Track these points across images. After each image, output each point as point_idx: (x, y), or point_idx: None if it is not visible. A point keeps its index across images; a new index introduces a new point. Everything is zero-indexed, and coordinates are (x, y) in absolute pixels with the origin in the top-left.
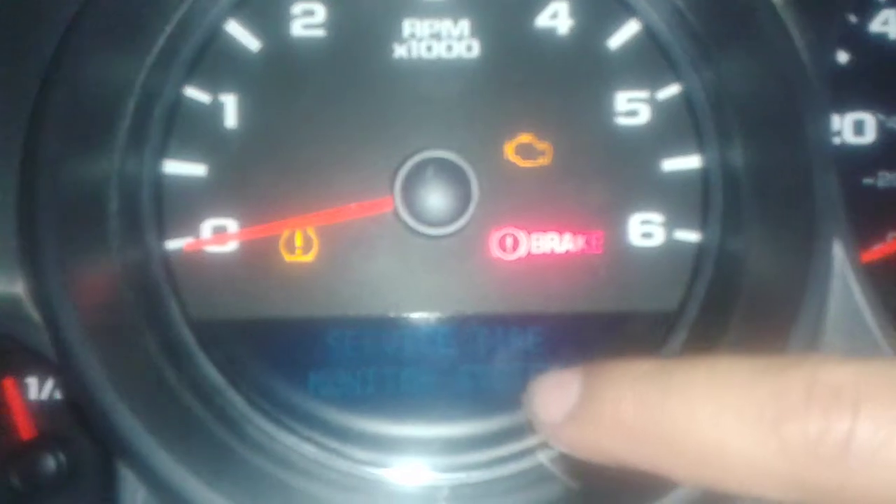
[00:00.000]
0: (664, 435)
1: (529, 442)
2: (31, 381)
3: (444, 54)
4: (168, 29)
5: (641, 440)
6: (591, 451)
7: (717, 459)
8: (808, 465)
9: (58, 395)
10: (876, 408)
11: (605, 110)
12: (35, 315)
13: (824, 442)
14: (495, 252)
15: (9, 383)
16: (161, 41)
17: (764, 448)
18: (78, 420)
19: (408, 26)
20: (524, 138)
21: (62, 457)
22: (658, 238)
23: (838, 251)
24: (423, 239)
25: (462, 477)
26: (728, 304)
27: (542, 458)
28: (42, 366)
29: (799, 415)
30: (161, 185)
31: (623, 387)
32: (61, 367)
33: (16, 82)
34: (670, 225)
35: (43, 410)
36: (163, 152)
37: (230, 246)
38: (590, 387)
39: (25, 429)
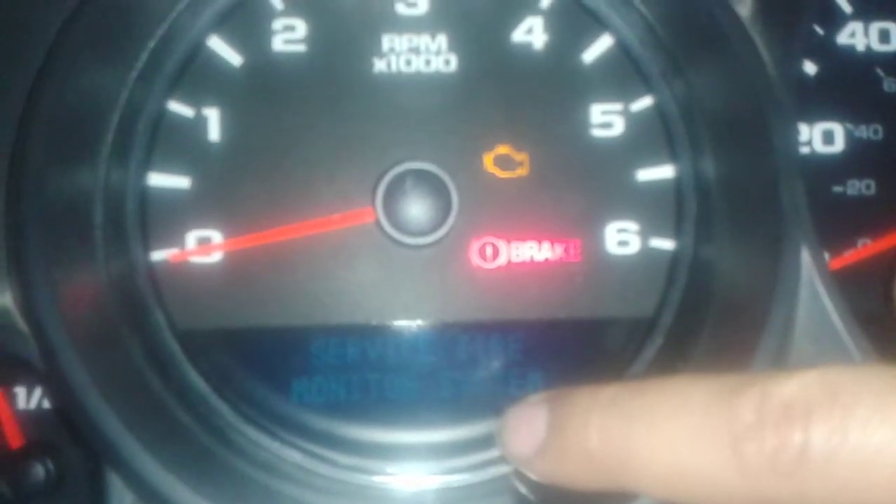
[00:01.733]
0: (630, 461)
1: None
2: (20, 391)
3: (422, 68)
4: (152, 43)
5: (608, 467)
6: (562, 480)
7: (681, 482)
8: (768, 481)
9: (46, 404)
10: (825, 416)
11: (581, 122)
12: (22, 325)
13: (780, 457)
14: (475, 260)
15: None
16: (145, 55)
17: (724, 469)
18: (65, 428)
19: (387, 41)
20: (502, 150)
21: (50, 465)
22: (634, 246)
23: (806, 259)
24: (404, 248)
25: (446, 481)
26: (701, 311)
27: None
28: (30, 375)
29: (754, 433)
30: (145, 197)
31: (586, 417)
32: (48, 375)
33: (2, 96)
34: (645, 233)
35: (31, 419)
36: (147, 165)
37: (214, 256)
38: (555, 419)
39: (14, 437)
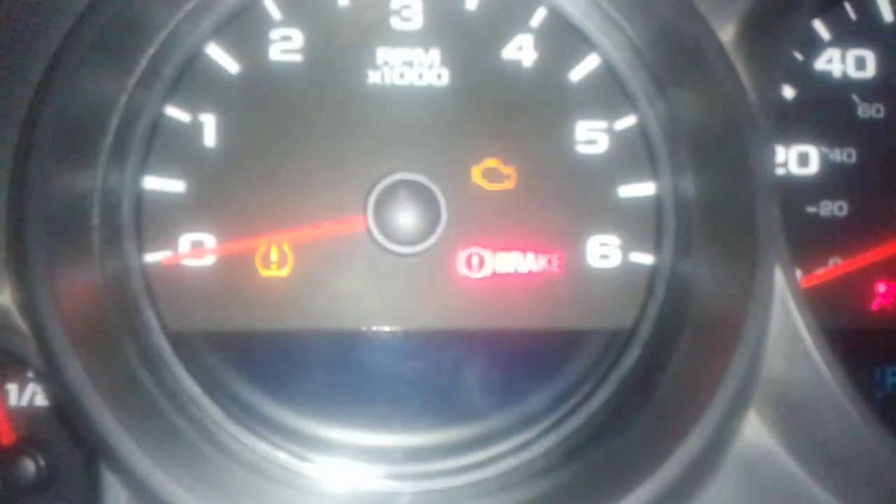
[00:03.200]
0: None
1: (490, 452)
2: (12, 388)
3: (415, 81)
4: (151, 50)
5: None
6: None
7: None
8: None
9: (38, 401)
10: None
11: (566, 138)
12: (21, 324)
13: None
14: (462, 270)
15: None
16: (144, 62)
17: None
18: (62, 425)
19: (381, 54)
20: (490, 163)
21: (42, 461)
22: (615, 259)
23: (779, 277)
24: (393, 256)
25: (425, 485)
26: (679, 324)
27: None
28: (22, 372)
29: None
30: (141, 200)
31: None
32: (47, 374)
33: (5, 102)
34: (626, 247)
35: (23, 416)
36: (143, 169)
37: (207, 260)
38: None
39: (6, 434)
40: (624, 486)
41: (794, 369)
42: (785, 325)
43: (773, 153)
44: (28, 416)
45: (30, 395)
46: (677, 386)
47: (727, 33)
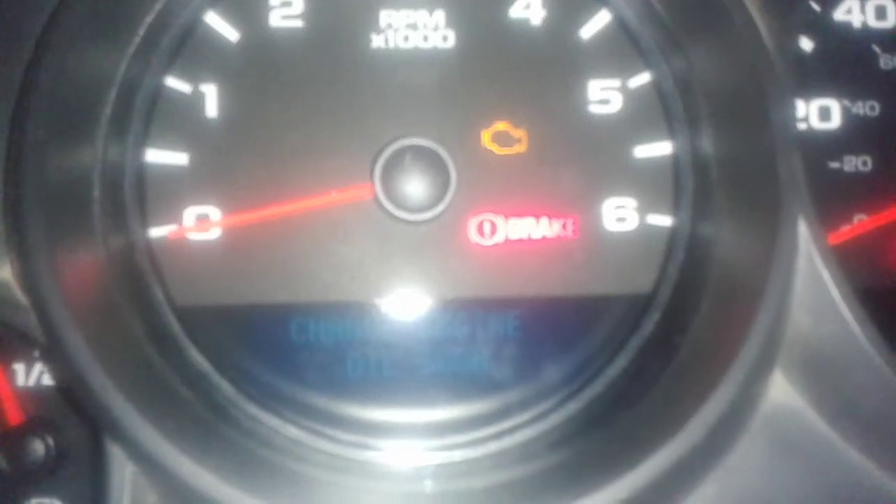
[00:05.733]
0: None
1: (509, 422)
2: (19, 368)
3: (420, 44)
4: (148, 20)
5: None
6: None
7: None
8: None
9: (45, 381)
10: None
11: (578, 99)
12: (22, 298)
13: None
14: (473, 237)
15: None
16: (141, 32)
17: None
18: (66, 400)
19: (384, 17)
20: (500, 126)
21: (50, 441)
22: (631, 223)
23: (804, 231)
24: (402, 225)
25: (445, 456)
26: (699, 286)
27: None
28: (29, 349)
29: None
30: (143, 174)
31: None
32: (49, 347)
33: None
34: (643, 210)
35: (30, 396)
36: (145, 141)
37: (213, 233)
38: None
39: (13, 414)
40: (646, 450)
41: (821, 326)
42: (811, 280)
43: (793, 106)
44: (35, 395)
45: (37, 374)
46: (699, 348)
47: None
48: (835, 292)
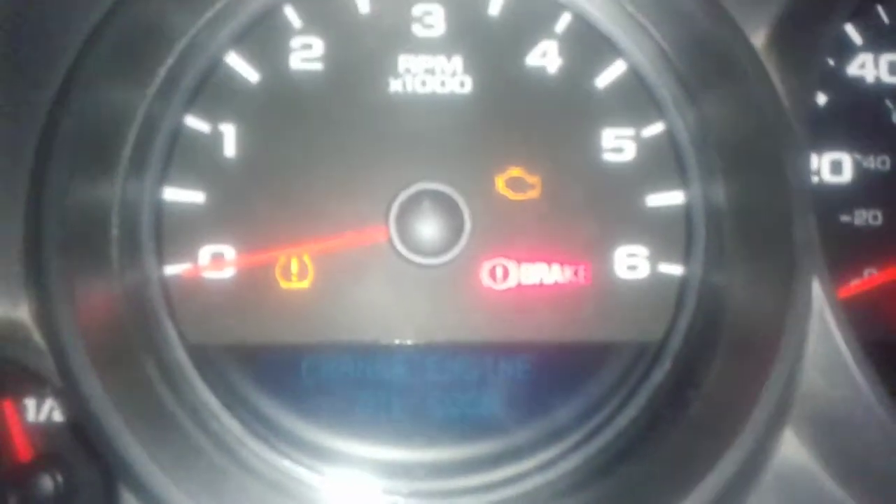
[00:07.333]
0: None
1: (515, 469)
2: (30, 403)
3: (438, 89)
4: (170, 60)
5: None
6: None
7: None
8: None
9: (56, 417)
10: None
11: (593, 146)
12: (39, 340)
13: None
14: (486, 281)
15: (7, 405)
16: (163, 72)
17: None
18: (80, 442)
19: (403, 62)
20: (515, 172)
21: (60, 478)
22: (643, 270)
23: (817, 290)
24: (416, 268)
25: (453, 500)
26: (711, 337)
27: None
28: (41, 387)
29: None
30: (161, 212)
31: None
32: (65, 391)
33: (23, 113)
34: (655, 258)
35: (41, 432)
36: (163, 179)
37: (227, 272)
38: None
39: (24, 450)
40: None
41: (832, 385)
42: (823, 339)
43: (808, 162)
44: (46, 431)
45: (48, 410)
46: (712, 403)
47: (759, 38)
48: (846, 352)
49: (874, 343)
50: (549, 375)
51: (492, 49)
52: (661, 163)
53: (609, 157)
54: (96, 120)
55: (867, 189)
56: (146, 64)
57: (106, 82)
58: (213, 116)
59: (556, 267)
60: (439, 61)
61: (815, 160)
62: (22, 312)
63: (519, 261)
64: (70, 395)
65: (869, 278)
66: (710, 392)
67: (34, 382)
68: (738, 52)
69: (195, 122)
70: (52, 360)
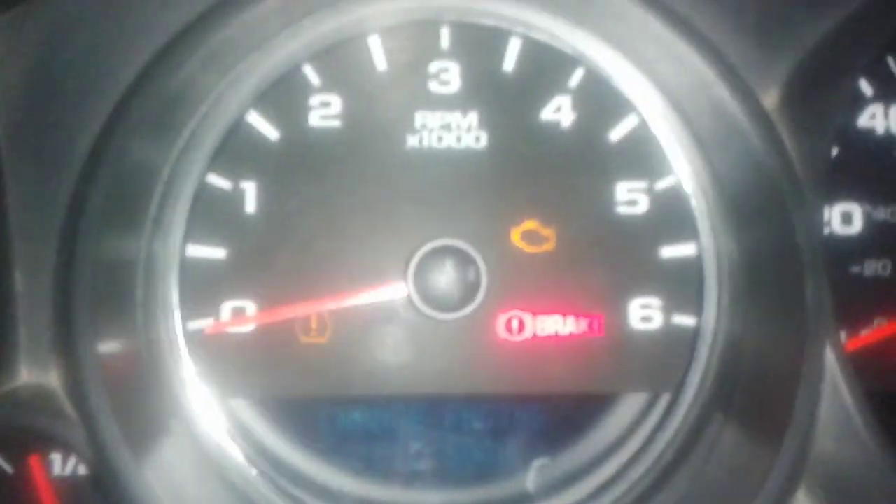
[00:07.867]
0: None
1: None
2: (55, 458)
3: (453, 145)
4: (194, 121)
5: None
6: None
7: None
8: None
9: (81, 470)
10: None
11: (606, 199)
12: (70, 409)
13: None
14: (502, 333)
15: (34, 460)
16: (187, 132)
17: None
18: (104, 496)
19: (420, 118)
20: (530, 225)
21: None
22: (657, 322)
23: (828, 352)
24: (433, 323)
25: None
26: (723, 390)
27: None
28: (68, 448)
29: None
30: (184, 268)
31: None
32: (96, 464)
33: (54, 176)
34: (669, 309)
35: (66, 485)
36: (186, 236)
37: (247, 327)
38: None
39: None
40: None
41: (843, 448)
42: (833, 400)
43: (821, 221)
44: (72, 485)
45: (73, 464)
46: (726, 465)
47: (770, 98)
48: (856, 414)
49: (885, 394)
50: (564, 426)
51: (507, 104)
52: (674, 215)
53: (623, 209)
54: (125, 180)
55: (877, 239)
56: (172, 126)
57: (135, 144)
58: (234, 174)
59: (570, 318)
60: (455, 117)
61: (826, 211)
62: (52, 378)
63: (534, 313)
64: (101, 469)
65: (879, 328)
66: (723, 456)
67: (61, 441)
68: (749, 114)
69: (217, 180)
70: (83, 430)
